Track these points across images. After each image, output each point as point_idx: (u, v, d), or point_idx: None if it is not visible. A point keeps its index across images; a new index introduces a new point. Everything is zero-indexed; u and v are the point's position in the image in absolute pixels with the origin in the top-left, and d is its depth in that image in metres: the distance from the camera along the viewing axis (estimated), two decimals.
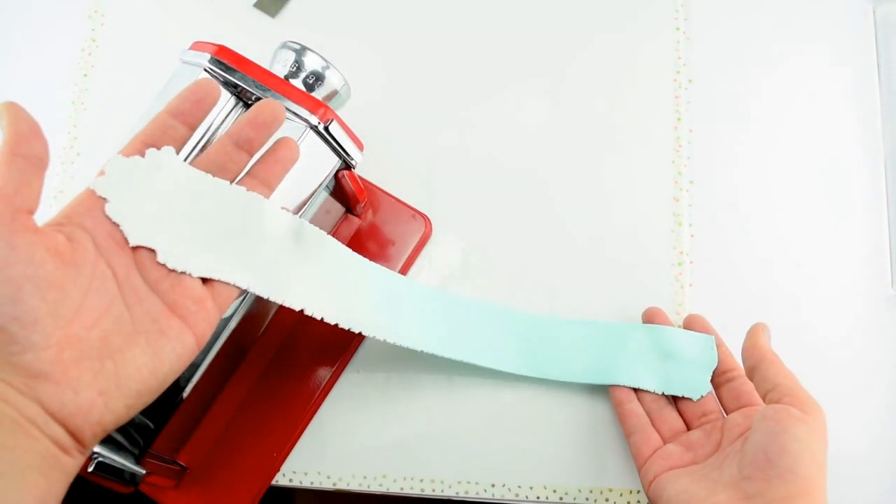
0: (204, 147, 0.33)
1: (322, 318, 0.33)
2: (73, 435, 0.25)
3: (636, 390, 0.40)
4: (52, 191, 0.47)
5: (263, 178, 0.32)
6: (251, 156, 0.32)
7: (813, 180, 0.46)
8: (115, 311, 0.27)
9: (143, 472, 0.33)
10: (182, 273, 0.29)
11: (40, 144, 0.26)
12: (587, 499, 0.41)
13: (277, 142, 0.32)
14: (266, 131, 0.31)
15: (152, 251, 0.28)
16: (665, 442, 0.39)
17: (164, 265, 0.28)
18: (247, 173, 0.32)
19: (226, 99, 0.34)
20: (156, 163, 0.29)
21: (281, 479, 0.41)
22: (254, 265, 0.31)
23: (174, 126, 0.30)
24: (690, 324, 0.41)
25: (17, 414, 0.23)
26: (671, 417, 0.40)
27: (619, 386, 0.40)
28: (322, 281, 0.34)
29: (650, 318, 0.42)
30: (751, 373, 0.36)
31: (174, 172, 0.29)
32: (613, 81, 0.47)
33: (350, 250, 0.36)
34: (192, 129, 0.31)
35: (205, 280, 0.29)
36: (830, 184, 0.46)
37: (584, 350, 0.41)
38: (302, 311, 0.32)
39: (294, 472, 0.41)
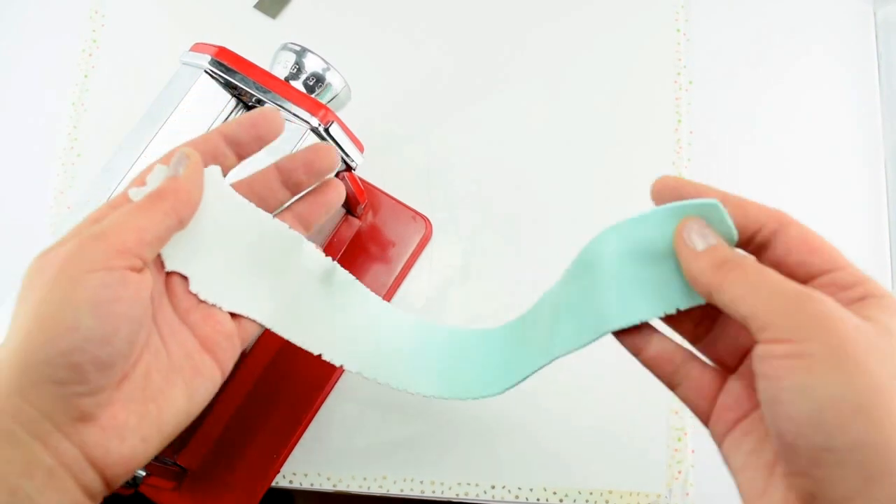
0: None
1: (342, 366, 0.31)
2: (107, 482, 0.23)
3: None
4: (52, 191, 0.47)
5: (304, 218, 0.30)
6: (294, 196, 0.30)
7: (813, 181, 0.46)
8: (153, 343, 0.25)
9: (144, 473, 0.33)
10: (212, 305, 0.27)
11: (191, 212, 0.25)
12: (587, 500, 0.41)
13: (326, 183, 0.31)
14: (317, 178, 0.30)
15: (184, 278, 0.27)
16: (727, 373, 0.25)
17: (195, 295, 0.27)
18: (287, 208, 0.30)
19: (225, 100, 0.34)
20: None
21: (281, 481, 0.41)
22: (281, 304, 0.29)
23: (226, 154, 0.28)
24: (661, 191, 0.26)
25: (55, 462, 0.22)
26: (724, 334, 0.26)
27: (623, 331, 0.26)
28: (346, 327, 0.32)
29: (663, 192, 0.26)
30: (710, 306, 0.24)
31: (218, 196, 0.27)
32: (614, 83, 0.47)
33: (378, 298, 0.34)
34: (241, 160, 0.28)
35: (232, 314, 0.28)
36: (830, 184, 0.46)
37: (565, 307, 0.29)
38: (320, 356, 0.31)
39: (294, 474, 0.41)
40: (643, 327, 0.26)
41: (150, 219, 0.24)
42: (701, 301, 0.24)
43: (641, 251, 0.26)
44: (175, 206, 0.24)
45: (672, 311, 0.25)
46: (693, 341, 0.27)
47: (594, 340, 0.27)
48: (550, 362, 0.30)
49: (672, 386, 0.26)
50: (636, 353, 0.27)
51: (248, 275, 0.28)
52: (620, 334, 0.27)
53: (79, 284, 0.22)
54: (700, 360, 0.26)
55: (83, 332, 0.22)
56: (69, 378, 0.22)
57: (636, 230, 0.26)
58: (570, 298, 0.28)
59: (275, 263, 0.29)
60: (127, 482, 0.32)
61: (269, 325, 0.29)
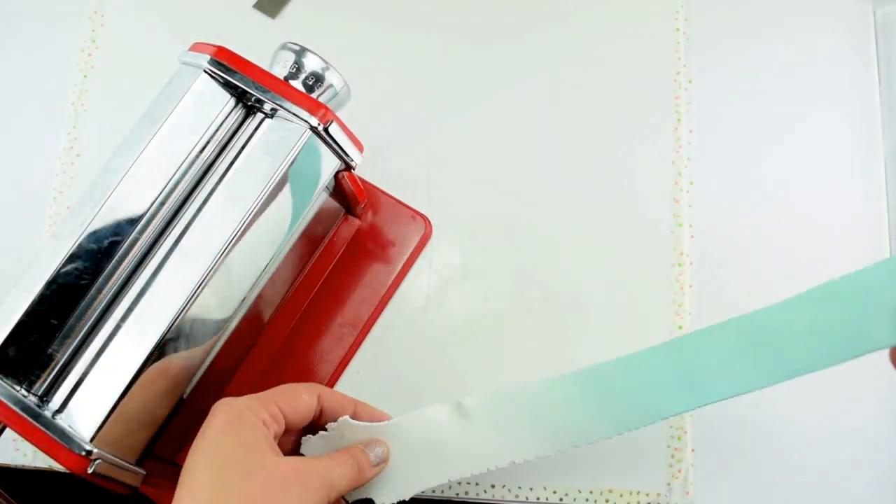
0: (202, 151, 0.33)
1: (523, 461, 0.34)
2: None
3: None
4: (51, 191, 0.47)
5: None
6: None
7: (813, 180, 0.46)
8: None
9: (144, 473, 0.33)
10: None
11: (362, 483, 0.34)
12: (587, 499, 0.41)
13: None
14: None
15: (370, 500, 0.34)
16: None
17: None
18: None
19: (224, 100, 0.34)
20: (339, 433, 0.34)
21: None
22: (444, 460, 0.34)
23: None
24: None
25: None
26: None
27: None
28: (507, 429, 0.35)
29: None
30: None
31: (357, 433, 0.34)
32: (613, 82, 0.47)
33: (518, 385, 0.35)
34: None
35: None
36: (830, 184, 0.46)
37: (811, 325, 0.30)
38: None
39: None
40: None
41: (345, 481, 0.32)
42: None
43: None
44: (362, 479, 0.33)
45: None
46: None
47: (847, 359, 0.30)
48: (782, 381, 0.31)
49: None
50: None
51: (406, 468, 0.34)
52: None
53: None
54: None
55: None
56: None
57: None
58: (824, 317, 0.30)
59: (423, 445, 0.35)
60: (125, 483, 0.32)
61: (445, 482, 0.34)
